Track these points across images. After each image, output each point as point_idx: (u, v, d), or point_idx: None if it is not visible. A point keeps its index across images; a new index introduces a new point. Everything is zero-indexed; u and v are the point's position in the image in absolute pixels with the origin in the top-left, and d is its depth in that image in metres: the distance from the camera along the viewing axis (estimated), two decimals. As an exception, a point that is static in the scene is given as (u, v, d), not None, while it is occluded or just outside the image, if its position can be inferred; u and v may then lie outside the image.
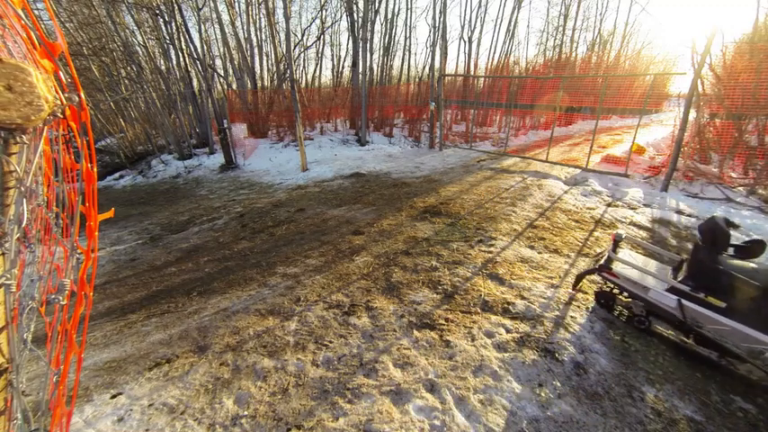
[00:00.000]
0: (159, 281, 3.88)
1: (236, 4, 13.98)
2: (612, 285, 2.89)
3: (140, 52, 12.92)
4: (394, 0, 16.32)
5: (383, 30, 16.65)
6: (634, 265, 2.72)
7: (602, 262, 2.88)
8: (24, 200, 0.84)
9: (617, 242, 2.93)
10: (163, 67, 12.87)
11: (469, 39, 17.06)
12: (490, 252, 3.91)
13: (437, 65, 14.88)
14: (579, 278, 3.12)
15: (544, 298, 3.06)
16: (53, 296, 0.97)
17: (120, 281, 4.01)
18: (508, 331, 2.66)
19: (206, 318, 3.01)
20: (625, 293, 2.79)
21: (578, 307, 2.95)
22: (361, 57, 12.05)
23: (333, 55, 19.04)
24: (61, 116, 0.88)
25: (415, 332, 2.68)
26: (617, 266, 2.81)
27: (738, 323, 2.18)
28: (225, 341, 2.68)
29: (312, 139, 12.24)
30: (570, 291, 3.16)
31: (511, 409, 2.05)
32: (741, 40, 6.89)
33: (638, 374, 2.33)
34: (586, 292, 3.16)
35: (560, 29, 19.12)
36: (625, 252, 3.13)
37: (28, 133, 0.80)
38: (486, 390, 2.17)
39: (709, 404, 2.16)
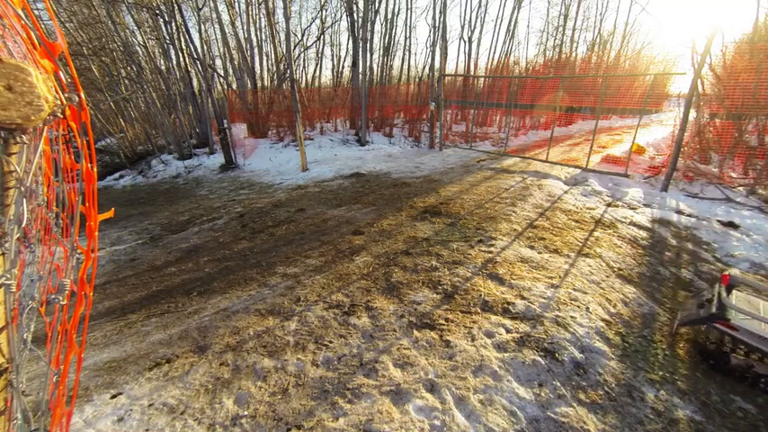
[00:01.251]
0: (159, 281, 3.88)
1: (236, 4, 13.98)
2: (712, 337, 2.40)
3: (140, 52, 12.93)
4: (394, 0, 16.33)
5: (383, 30, 16.66)
6: (758, 316, 2.22)
7: (713, 310, 2.34)
8: (24, 200, 0.84)
9: (732, 286, 2.40)
10: (163, 67, 12.87)
11: (469, 39, 17.06)
12: (490, 252, 3.91)
13: (437, 65, 14.89)
14: (679, 327, 2.62)
15: (544, 298, 3.06)
16: (53, 296, 0.97)
17: (120, 281, 4.01)
18: (508, 331, 2.66)
19: (206, 318, 3.01)
20: (741, 347, 2.30)
21: (578, 307, 2.95)
22: (361, 57, 12.05)
23: (333, 55, 19.05)
24: (61, 116, 0.88)
25: (415, 332, 2.68)
26: (734, 316, 2.30)
27: None
28: (225, 341, 2.67)
29: (312, 139, 12.24)
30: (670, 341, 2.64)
31: (511, 409, 2.05)
32: (741, 40, 6.89)
33: (638, 374, 2.33)
34: (586, 290, 3.17)
35: (560, 29, 19.13)
36: (739, 296, 2.54)
37: (28, 133, 0.80)
38: (486, 390, 2.17)
39: (709, 404, 2.16)
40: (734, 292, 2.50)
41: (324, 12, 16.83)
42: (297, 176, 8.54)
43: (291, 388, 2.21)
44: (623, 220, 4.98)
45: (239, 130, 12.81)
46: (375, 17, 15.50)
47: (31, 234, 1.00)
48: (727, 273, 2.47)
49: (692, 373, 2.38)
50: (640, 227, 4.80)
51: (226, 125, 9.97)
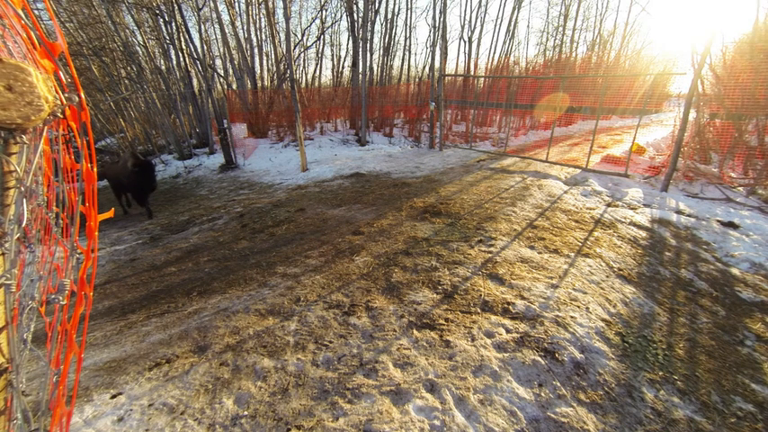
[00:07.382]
0: (159, 281, 3.88)
1: (236, 4, 13.99)
2: None
3: (140, 52, 12.93)
4: (394, 0, 16.34)
5: (383, 30, 16.67)
6: None
7: None
8: (24, 200, 0.84)
9: None
10: (163, 67, 12.88)
11: (469, 39, 17.07)
12: (490, 252, 3.91)
13: (437, 65, 14.90)
14: None
15: (544, 298, 3.06)
16: (53, 296, 0.97)
17: (120, 281, 4.01)
18: (508, 331, 2.66)
19: (206, 318, 3.01)
20: None
21: (578, 307, 2.95)
22: (361, 57, 12.06)
23: (333, 55, 19.07)
24: (61, 116, 0.88)
25: (414, 332, 2.68)
26: None
27: None
28: (225, 341, 2.67)
29: (312, 139, 12.24)
30: None
31: (511, 409, 2.05)
32: (741, 41, 6.89)
33: (638, 374, 2.33)
34: (586, 290, 3.17)
35: (560, 29, 19.14)
36: None
37: (28, 133, 0.80)
38: (486, 390, 2.17)
39: (709, 404, 2.16)
40: None
41: (324, 12, 16.85)
42: (297, 176, 8.54)
43: (291, 388, 2.21)
44: (623, 220, 4.98)
45: (239, 130, 12.81)
46: (375, 17, 15.51)
47: (31, 234, 1.00)
48: None
49: (691, 373, 2.38)
50: (640, 227, 4.80)
51: (226, 125, 9.97)
